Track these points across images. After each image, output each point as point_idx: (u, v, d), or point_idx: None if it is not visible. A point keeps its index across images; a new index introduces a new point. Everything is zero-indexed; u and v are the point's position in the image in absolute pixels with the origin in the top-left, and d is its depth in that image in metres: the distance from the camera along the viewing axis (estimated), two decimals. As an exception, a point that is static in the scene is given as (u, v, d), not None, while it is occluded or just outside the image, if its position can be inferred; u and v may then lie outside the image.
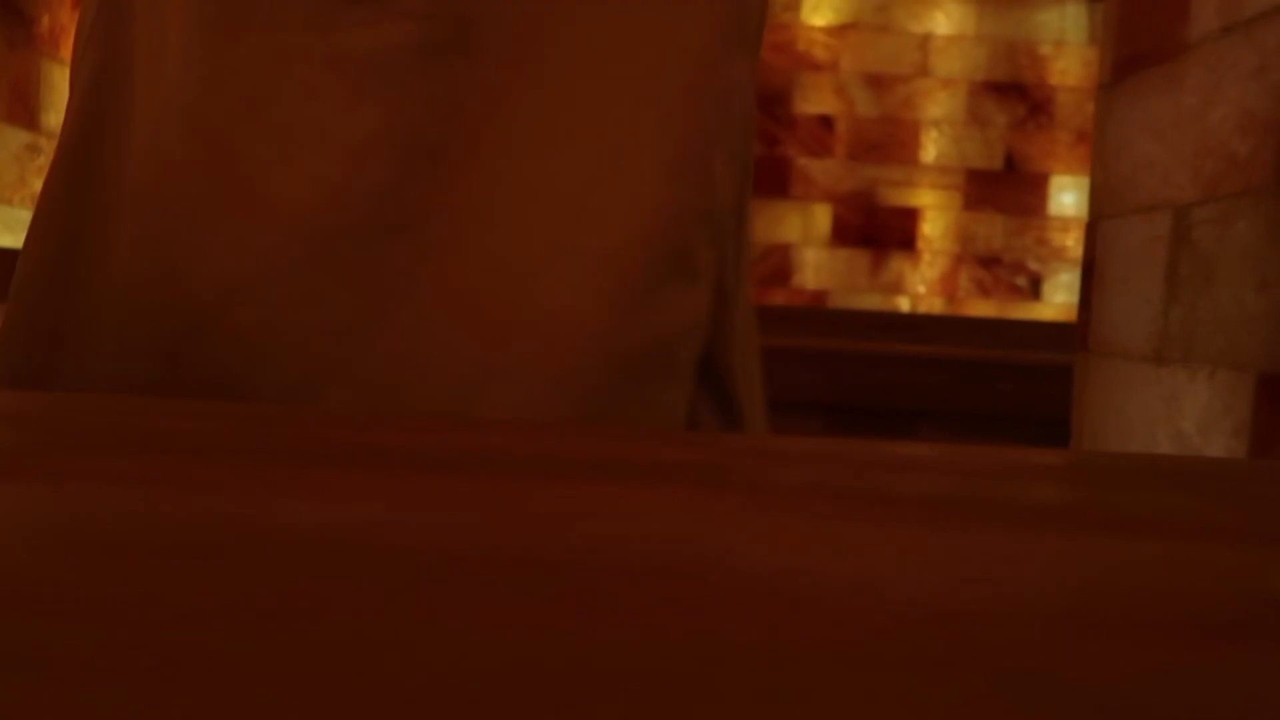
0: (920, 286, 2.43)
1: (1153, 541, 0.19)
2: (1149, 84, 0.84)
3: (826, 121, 2.39)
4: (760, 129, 2.37)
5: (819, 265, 2.42)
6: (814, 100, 2.39)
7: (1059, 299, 2.44)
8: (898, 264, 2.42)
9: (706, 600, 0.14)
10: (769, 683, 0.11)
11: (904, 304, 2.43)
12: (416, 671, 0.10)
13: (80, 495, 0.17)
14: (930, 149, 2.42)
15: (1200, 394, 0.73)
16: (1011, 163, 2.43)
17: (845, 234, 2.41)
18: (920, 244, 2.43)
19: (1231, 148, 0.70)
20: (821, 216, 2.41)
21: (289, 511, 0.17)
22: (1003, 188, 2.43)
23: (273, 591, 0.13)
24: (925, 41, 2.40)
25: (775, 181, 2.39)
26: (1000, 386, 1.69)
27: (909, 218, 2.41)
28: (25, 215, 1.23)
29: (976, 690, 0.11)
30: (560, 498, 0.20)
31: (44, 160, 1.26)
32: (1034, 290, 2.45)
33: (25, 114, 1.22)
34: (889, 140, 2.41)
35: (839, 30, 2.39)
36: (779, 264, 2.41)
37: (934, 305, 2.44)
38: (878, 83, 2.40)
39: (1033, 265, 2.45)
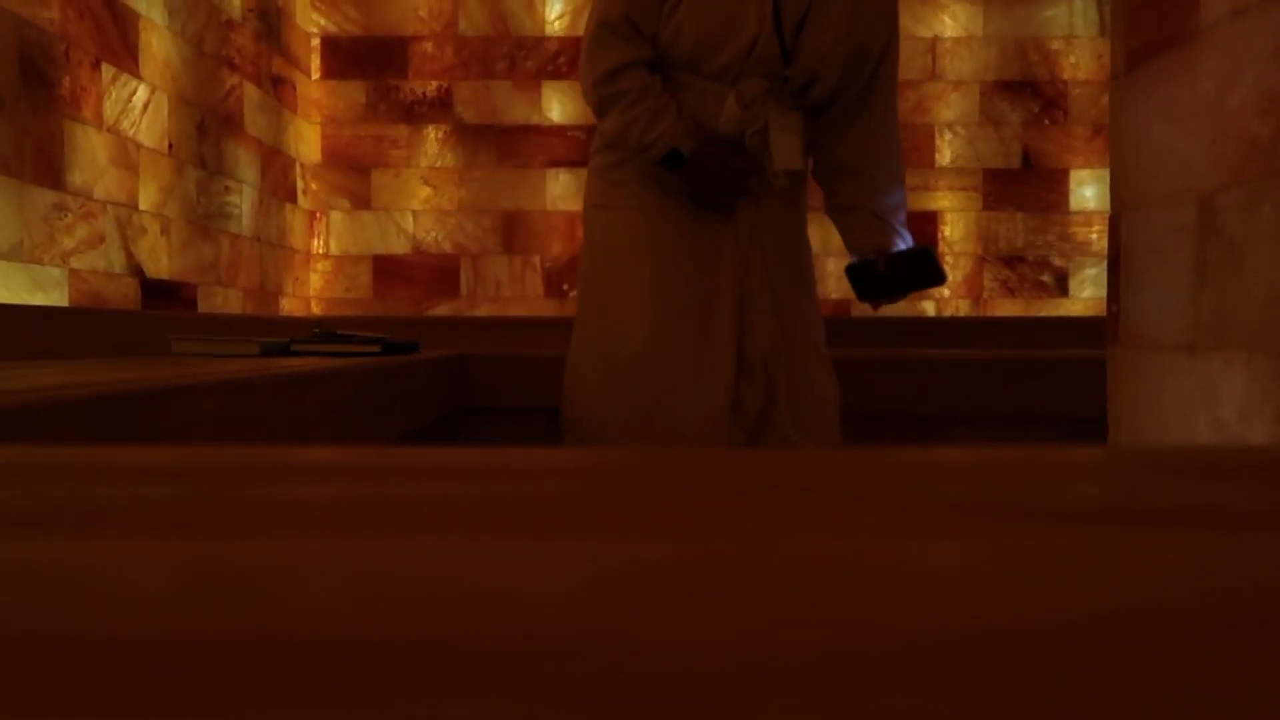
0: (944, 289, 2.41)
1: (1200, 535, 0.18)
2: (1163, 72, 0.83)
3: (839, 131, 2.39)
4: (774, 142, 2.37)
5: (841, 274, 2.40)
6: (826, 110, 2.39)
7: (1087, 294, 2.42)
8: (920, 268, 2.41)
9: (758, 613, 0.13)
10: (821, 695, 0.11)
11: (929, 308, 2.42)
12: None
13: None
14: (946, 151, 2.41)
15: (1237, 381, 0.72)
16: (1029, 160, 2.41)
17: (865, 242, 2.40)
18: (942, 247, 2.42)
19: (1253, 131, 0.69)
20: (840, 226, 2.40)
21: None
22: (1022, 186, 2.41)
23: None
24: (933, 45, 2.39)
25: (792, 194, 2.39)
26: (1031, 385, 1.67)
27: (929, 221, 2.40)
28: (55, 273, 1.24)
29: (1036, 704, 0.11)
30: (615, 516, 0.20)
31: (71, 219, 1.29)
32: (1060, 286, 2.43)
33: (51, 175, 1.24)
34: (903, 145, 2.40)
35: (846, 39, 2.39)
36: (801, 276, 2.40)
37: (960, 308, 2.42)
38: (888, 89, 2.39)
39: (1057, 261, 2.43)
